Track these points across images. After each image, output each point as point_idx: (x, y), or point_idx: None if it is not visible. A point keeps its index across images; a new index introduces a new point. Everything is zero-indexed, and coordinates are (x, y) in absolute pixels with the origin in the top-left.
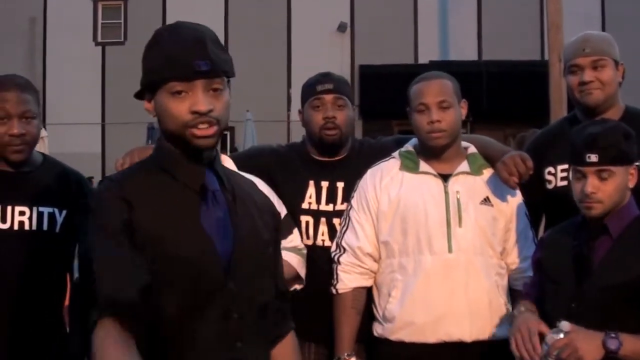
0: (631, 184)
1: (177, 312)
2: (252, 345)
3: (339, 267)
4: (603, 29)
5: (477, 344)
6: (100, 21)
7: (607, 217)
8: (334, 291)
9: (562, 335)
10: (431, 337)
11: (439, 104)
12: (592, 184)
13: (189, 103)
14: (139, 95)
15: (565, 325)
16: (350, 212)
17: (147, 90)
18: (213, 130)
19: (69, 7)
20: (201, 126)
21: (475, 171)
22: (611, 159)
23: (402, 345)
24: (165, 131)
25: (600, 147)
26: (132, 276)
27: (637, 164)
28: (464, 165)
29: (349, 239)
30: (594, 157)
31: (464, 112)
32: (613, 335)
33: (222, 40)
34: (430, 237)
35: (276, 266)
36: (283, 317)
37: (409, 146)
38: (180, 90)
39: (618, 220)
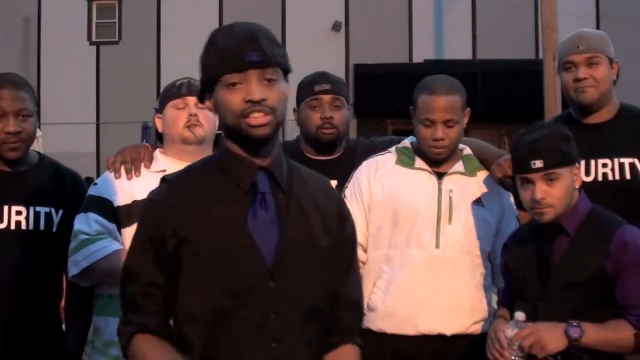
0: (577, 184)
1: (213, 309)
2: (291, 347)
3: None
4: (597, 27)
5: (457, 338)
6: (94, 20)
7: (562, 217)
8: None
9: (519, 326)
10: (411, 329)
11: (445, 123)
12: (540, 189)
13: (243, 93)
14: (201, 98)
15: (520, 315)
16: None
17: (207, 89)
18: (267, 119)
19: (64, 7)
20: (255, 114)
21: (470, 172)
22: (555, 162)
23: (384, 336)
24: (225, 126)
25: (543, 152)
26: (153, 299)
27: (579, 166)
28: (459, 166)
29: None
30: (539, 163)
31: (466, 119)
32: (575, 324)
33: None
34: (419, 232)
35: (340, 272)
36: (343, 328)
37: (406, 142)
38: (235, 82)
39: (571, 218)
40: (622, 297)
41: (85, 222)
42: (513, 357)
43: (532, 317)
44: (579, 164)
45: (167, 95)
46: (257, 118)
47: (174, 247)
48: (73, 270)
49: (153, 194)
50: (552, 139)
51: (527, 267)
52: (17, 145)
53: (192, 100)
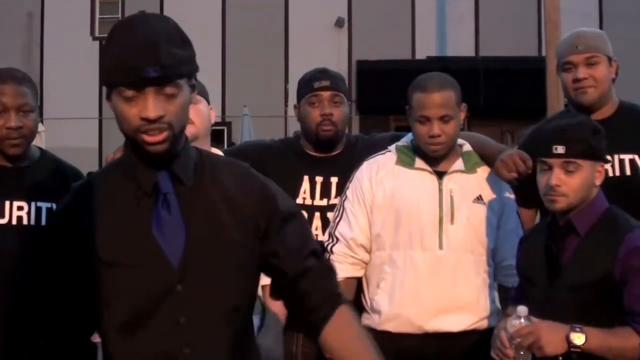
0: (598, 182)
1: (123, 320)
2: (204, 352)
3: (332, 257)
4: (600, 26)
5: (461, 334)
6: (97, 16)
7: (574, 214)
8: None
9: (521, 321)
10: (417, 329)
11: (440, 118)
12: (557, 176)
13: (139, 108)
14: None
15: (522, 310)
16: (345, 202)
17: (106, 87)
18: (163, 136)
19: (67, 2)
20: (151, 132)
21: (469, 169)
22: (578, 152)
23: (388, 335)
24: (122, 132)
25: (567, 139)
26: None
27: (604, 164)
28: (459, 163)
29: (342, 229)
30: (560, 149)
31: (463, 115)
32: (578, 329)
33: (219, 35)
34: (422, 233)
35: (280, 252)
36: (327, 293)
37: (405, 140)
38: (131, 95)
39: (585, 216)
40: (629, 304)
41: None
42: (514, 355)
43: (538, 317)
44: (605, 162)
45: None
46: (153, 136)
47: (80, 257)
48: None
49: (59, 204)
50: (581, 128)
51: (537, 266)
52: (18, 142)
53: None
